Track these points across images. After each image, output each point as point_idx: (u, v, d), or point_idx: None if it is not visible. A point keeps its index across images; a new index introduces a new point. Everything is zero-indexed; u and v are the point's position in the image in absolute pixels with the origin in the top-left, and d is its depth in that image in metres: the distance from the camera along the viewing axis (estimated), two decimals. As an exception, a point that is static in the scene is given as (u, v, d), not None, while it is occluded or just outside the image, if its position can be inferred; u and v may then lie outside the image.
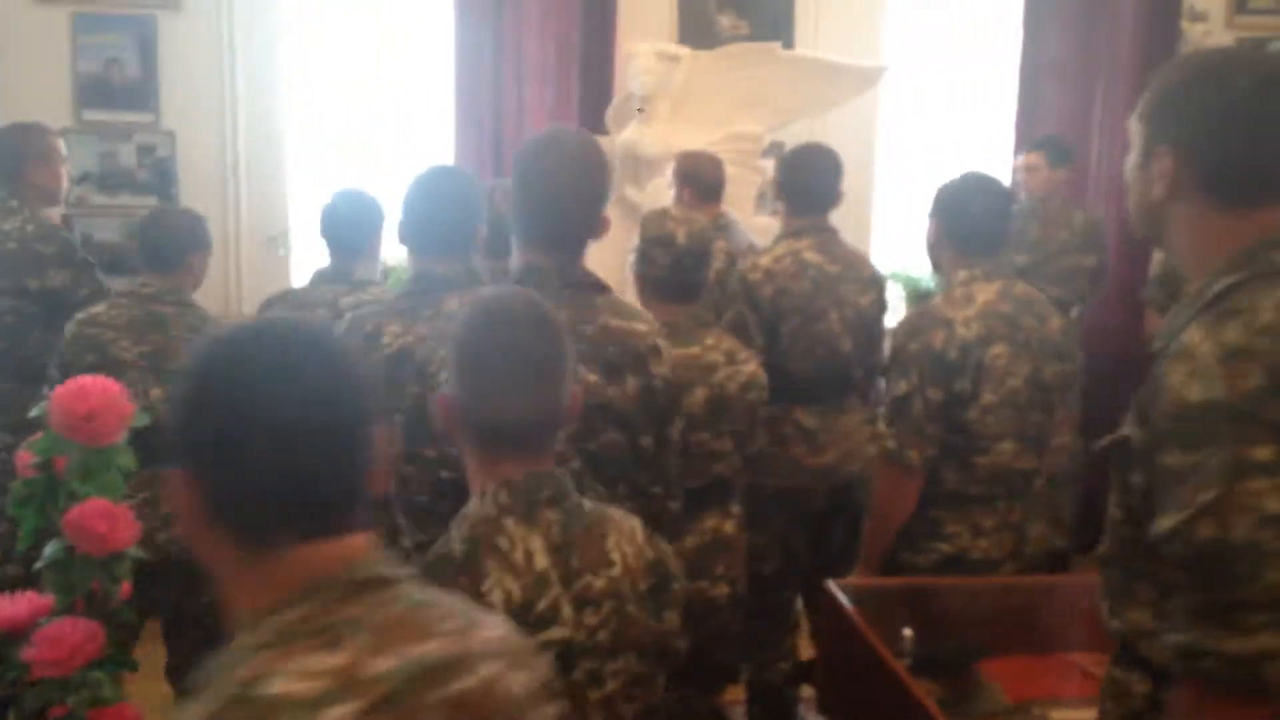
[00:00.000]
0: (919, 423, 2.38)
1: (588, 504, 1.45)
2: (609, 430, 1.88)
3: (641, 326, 1.94)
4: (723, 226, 3.56)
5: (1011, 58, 4.87)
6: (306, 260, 4.22)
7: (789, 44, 4.65)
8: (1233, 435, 1.20)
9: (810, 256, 2.97)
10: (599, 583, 1.40)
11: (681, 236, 2.47)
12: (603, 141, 4.29)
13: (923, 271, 4.70)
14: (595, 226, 1.94)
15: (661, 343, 1.96)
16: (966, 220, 2.50)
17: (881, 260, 4.90)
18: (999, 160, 4.79)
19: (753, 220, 4.50)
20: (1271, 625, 1.17)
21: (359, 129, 4.69)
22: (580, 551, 1.39)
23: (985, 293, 2.44)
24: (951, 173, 2.60)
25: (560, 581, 1.37)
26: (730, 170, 4.39)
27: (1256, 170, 1.30)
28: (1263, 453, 1.18)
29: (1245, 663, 1.17)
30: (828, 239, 3.02)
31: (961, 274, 2.48)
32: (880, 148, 4.94)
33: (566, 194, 1.89)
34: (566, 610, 1.37)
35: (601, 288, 1.94)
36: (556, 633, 1.35)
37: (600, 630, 1.40)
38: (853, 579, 2.39)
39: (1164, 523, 1.24)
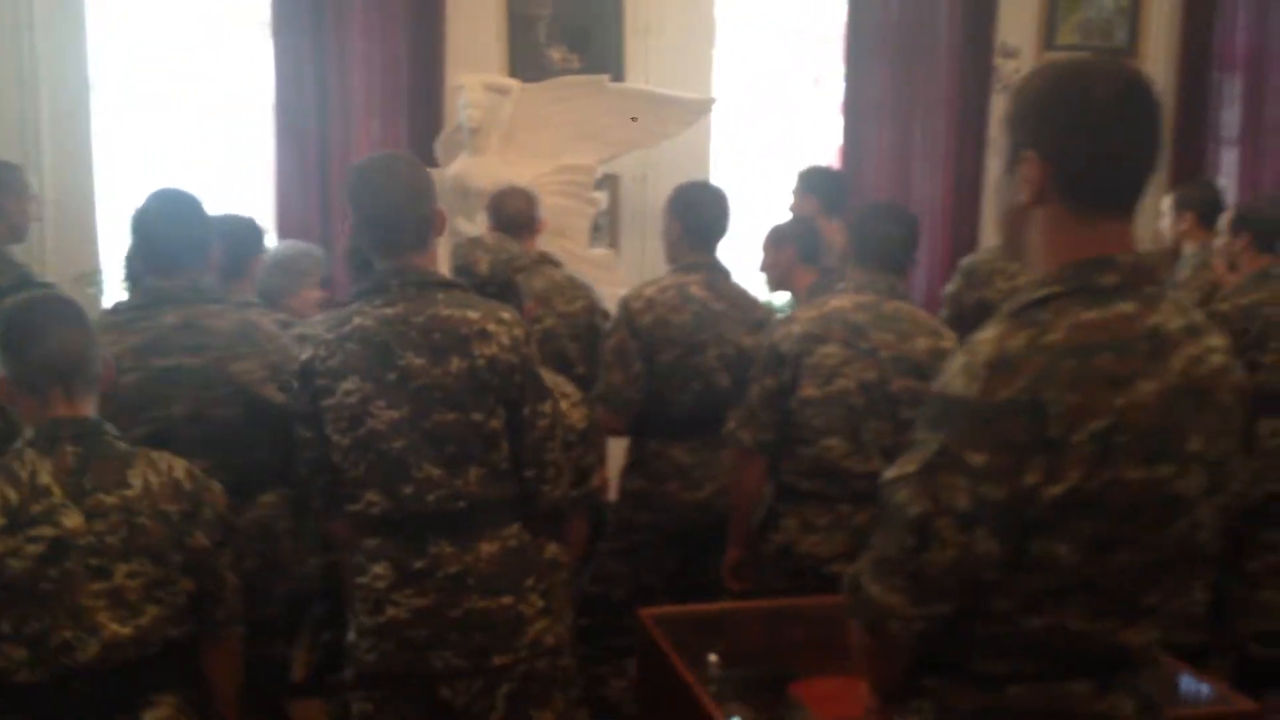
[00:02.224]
0: (754, 407, 2.63)
1: (125, 446, 1.86)
2: (440, 409, 2.08)
3: (473, 314, 2.12)
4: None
5: (836, 92, 5.01)
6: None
7: (620, 77, 4.68)
8: (959, 431, 1.25)
9: (695, 291, 3.00)
10: (110, 499, 1.79)
11: (484, 266, 2.51)
12: (432, 174, 4.31)
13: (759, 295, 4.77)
14: (427, 226, 2.16)
15: (496, 328, 2.11)
16: (870, 240, 2.74)
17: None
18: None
19: (586, 252, 4.51)
20: (909, 591, 1.30)
21: (176, 164, 4.52)
22: (95, 476, 1.79)
23: (840, 300, 2.65)
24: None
25: (66, 495, 1.77)
26: (563, 202, 4.41)
27: (1109, 178, 1.31)
28: (977, 458, 1.24)
29: (876, 610, 1.32)
30: (717, 277, 3.06)
31: (840, 285, 2.71)
32: (713, 180, 5.00)
33: (390, 203, 2.12)
34: (70, 517, 1.77)
35: (447, 284, 2.17)
36: (47, 530, 1.75)
37: (109, 535, 1.78)
38: (669, 607, 2.38)
39: (886, 473, 1.34)
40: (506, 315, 2.17)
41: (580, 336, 3.30)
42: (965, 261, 3.99)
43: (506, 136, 4.28)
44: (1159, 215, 4.31)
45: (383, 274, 2.13)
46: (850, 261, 2.84)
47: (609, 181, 4.73)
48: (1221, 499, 1.33)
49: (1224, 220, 3.55)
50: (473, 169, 4.20)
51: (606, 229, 4.82)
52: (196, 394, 2.49)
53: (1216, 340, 1.34)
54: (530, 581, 2.17)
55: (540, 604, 2.18)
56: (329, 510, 2.26)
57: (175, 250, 2.52)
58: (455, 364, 2.08)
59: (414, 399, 2.08)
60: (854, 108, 4.95)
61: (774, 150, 5.15)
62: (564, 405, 2.54)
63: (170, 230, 2.52)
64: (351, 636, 2.17)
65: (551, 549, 2.49)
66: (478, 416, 2.10)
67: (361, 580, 2.14)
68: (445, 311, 2.10)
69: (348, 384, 2.10)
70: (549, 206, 4.39)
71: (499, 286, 2.48)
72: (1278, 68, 5.37)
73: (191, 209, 2.58)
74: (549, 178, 4.34)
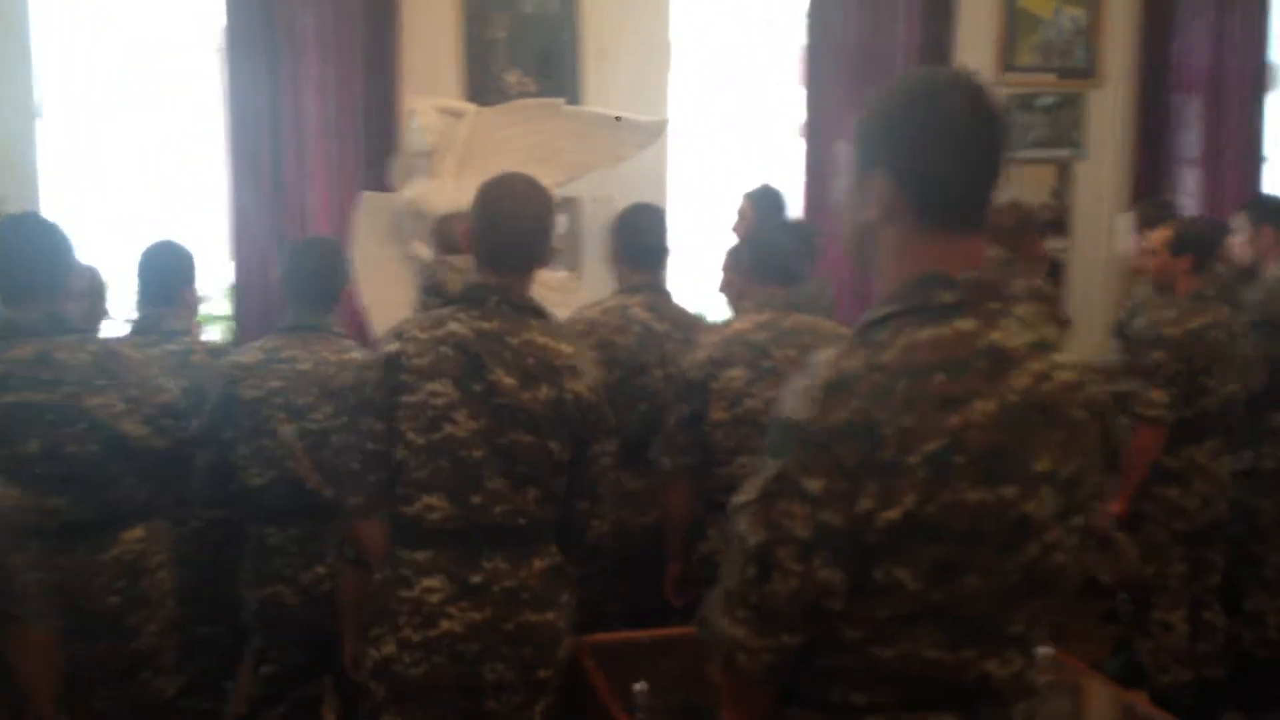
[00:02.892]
0: (671, 433, 2.75)
1: None
2: (518, 430, 2.13)
3: (567, 348, 2.19)
4: None
5: (795, 112, 5.01)
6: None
7: (577, 100, 4.68)
8: (796, 458, 1.23)
9: (638, 313, 2.98)
10: None
11: (457, 286, 2.49)
12: (387, 198, 4.30)
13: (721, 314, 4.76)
14: (539, 254, 2.24)
15: (585, 366, 2.20)
16: (767, 256, 2.83)
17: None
18: (792, 214, 4.89)
19: (545, 275, 4.48)
20: (753, 624, 1.26)
21: (126, 190, 4.49)
22: None
23: (742, 322, 2.74)
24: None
25: None
26: (520, 225, 4.40)
27: (957, 194, 1.29)
28: (814, 484, 1.22)
29: (724, 643, 1.29)
30: (660, 298, 3.04)
31: (745, 304, 2.79)
32: (672, 201, 4.99)
33: (517, 222, 2.18)
34: None
35: (539, 312, 2.23)
36: None
37: None
38: (602, 635, 2.35)
39: (732, 500, 1.31)
40: (591, 354, 2.27)
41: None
42: None
43: (462, 160, 4.26)
44: (1113, 234, 4.33)
45: (481, 287, 2.18)
46: (752, 280, 2.87)
47: (569, 204, 4.71)
48: (1080, 520, 1.30)
49: (1158, 238, 3.55)
50: (428, 193, 4.17)
51: (568, 252, 4.80)
52: (50, 430, 2.44)
53: (1065, 357, 1.31)
54: (565, 597, 2.21)
55: (566, 620, 2.22)
56: (369, 508, 2.21)
57: (29, 279, 2.46)
58: (544, 392, 2.14)
59: (495, 414, 2.12)
60: (813, 129, 4.95)
61: (732, 171, 5.13)
62: None
63: (23, 259, 2.47)
64: (389, 651, 2.13)
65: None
66: (554, 445, 2.16)
67: (407, 594, 2.12)
68: (541, 339, 2.17)
69: (435, 385, 2.13)
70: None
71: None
72: (1236, 88, 5.41)
73: (48, 236, 2.52)
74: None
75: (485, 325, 2.14)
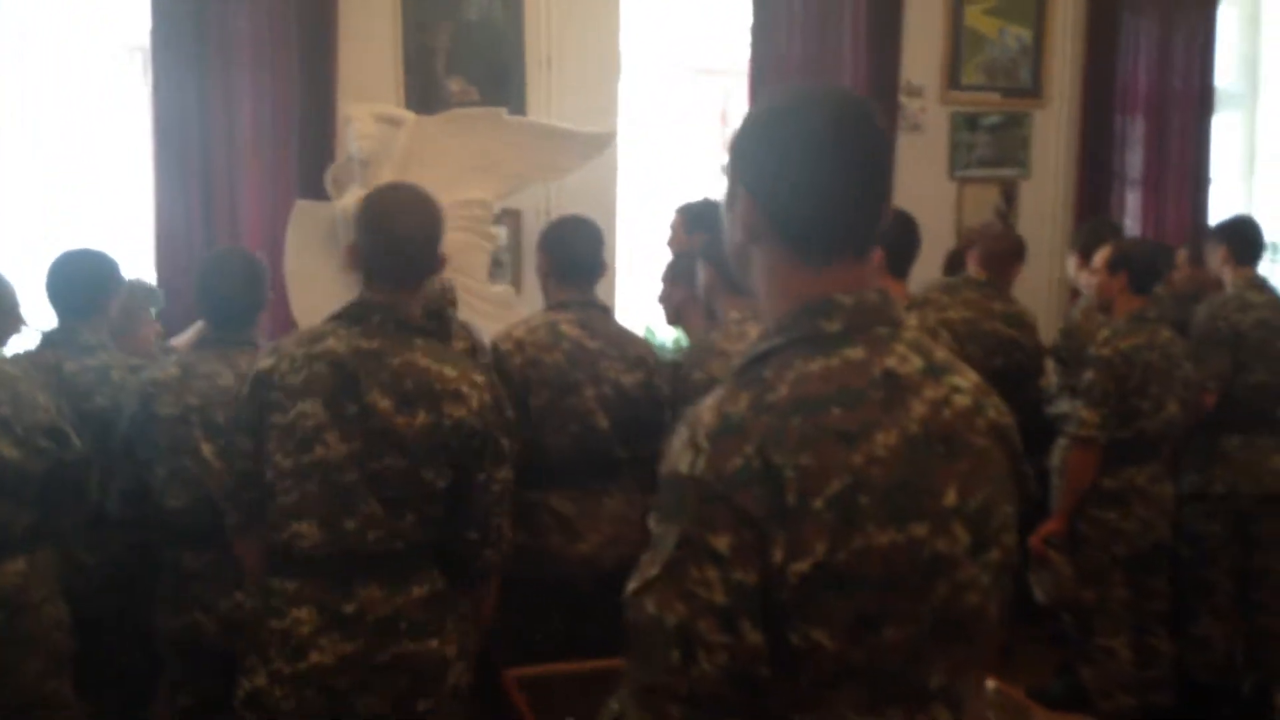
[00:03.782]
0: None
1: None
2: (391, 454, 2.04)
3: (451, 372, 2.09)
4: None
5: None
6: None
7: (521, 110, 4.59)
8: (697, 516, 1.10)
9: (568, 329, 2.87)
10: None
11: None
12: (321, 207, 4.18)
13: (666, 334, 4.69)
14: (427, 268, 2.18)
15: (469, 391, 2.09)
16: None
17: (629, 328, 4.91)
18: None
19: (485, 289, 4.40)
20: (689, 718, 1.10)
21: (52, 200, 4.32)
22: None
23: (755, 330, 2.52)
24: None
25: None
26: (460, 237, 4.28)
27: (824, 217, 1.20)
28: (721, 541, 1.09)
29: None
30: (591, 314, 2.94)
31: (734, 314, 2.70)
32: (621, 214, 4.92)
33: (402, 235, 2.12)
34: None
35: (426, 332, 2.15)
36: None
37: None
38: (534, 668, 2.26)
39: (629, 585, 1.16)
40: (479, 378, 2.13)
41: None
42: None
43: (400, 169, 4.15)
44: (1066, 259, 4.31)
45: (366, 304, 2.09)
46: (722, 293, 2.79)
47: (510, 217, 4.63)
48: (994, 556, 1.20)
49: (1100, 258, 3.53)
50: (364, 202, 4.06)
51: (509, 265, 4.71)
52: None
53: (961, 379, 1.22)
54: (452, 623, 2.11)
55: (457, 646, 2.12)
56: (245, 527, 2.17)
57: None
58: (421, 417, 2.04)
59: (368, 437, 2.03)
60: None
61: (681, 186, 5.07)
62: None
63: None
64: (260, 683, 2.05)
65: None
66: (428, 474, 2.06)
67: (278, 625, 2.03)
68: (423, 362, 2.07)
69: (305, 405, 2.05)
70: (446, 242, 4.28)
71: (432, 319, 2.50)
72: (1179, 110, 5.46)
73: None
74: (447, 212, 4.19)
75: (365, 344, 2.06)
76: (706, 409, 1.16)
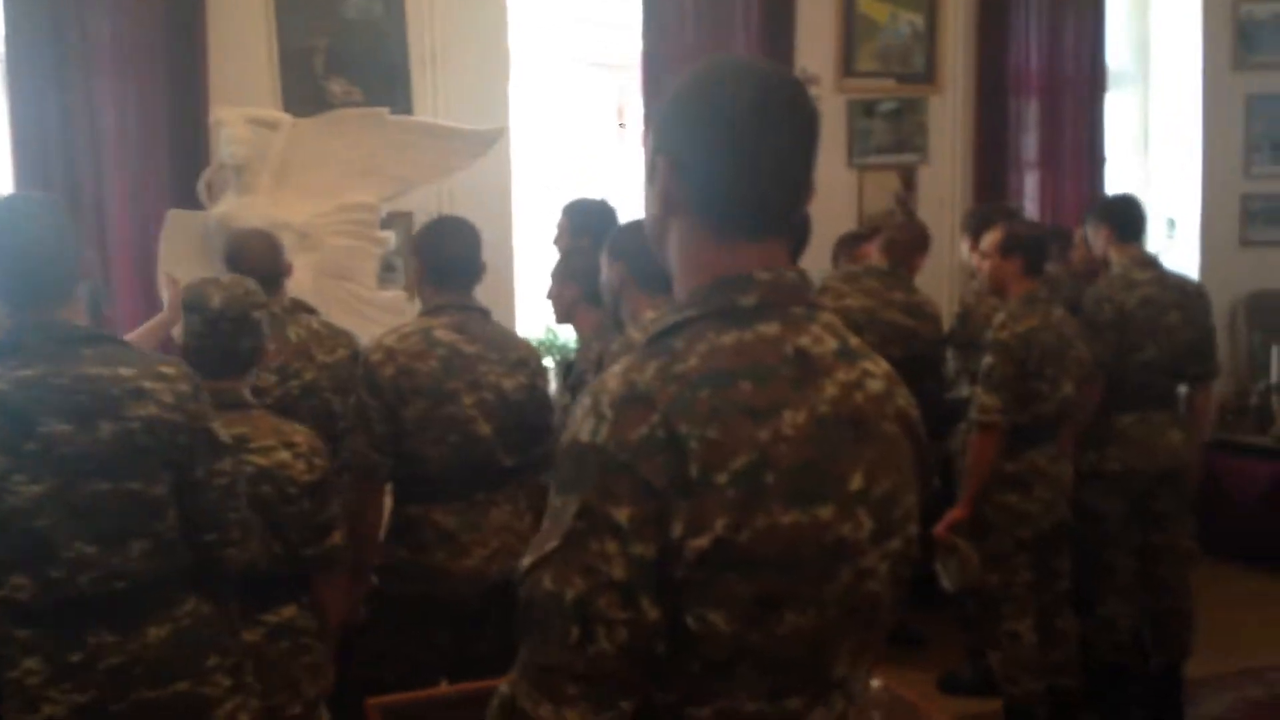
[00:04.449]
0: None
1: None
2: (90, 480, 1.89)
3: (126, 371, 1.94)
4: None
5: (634, 122, 4.89)
6: None
7: (407, 109, 4.46)
8: (598, 486, 1.05)
9: (442, 335, 2.72)
10: None
11: (216, 300, 2.33)
12: (195, 216, 4.01)
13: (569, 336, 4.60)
14: (71, 274, 1.99)
15: (154, 385, 1.95)
16: (652, 260, 2.52)
17: (529, 328, 4.81)
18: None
19: (374, 295, 4.26)
20: (588, 698, 1.05)
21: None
22: None
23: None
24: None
25: None
26: (345, 242, 4.16)
27: (743, 196, 1.15)
28: (622, 513, 1.04)
29: None
30: (469, 317, 2.79)
31: (649, 314, 2.52)
32: (518, 212, 4.81)
33: (28, 248, 1.95)
34: None
35: (93, 339, 1.97)
36: None
37: None
38: (397, 695, 2.14)
39: (522, 561, 1.10)
40: (169, 369, 1.98)
41: (344, 388, 3.03)
42: None
43: (278, 174, 4.00)
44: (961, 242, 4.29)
45: (18, 330, 1.93)
46: (635, 293, 2.68)
47: (401, 219, 4.49)
48: (896, 545, 1.17)
49: (989, 241, 3.50)
50: (240, 210, 3.90)
51: (402, 269, 4.57)
52: None
53: (875, 365, 1.20)
54: (213, 661, 1.98)
55: (228, 683, 1.99)
56: None
57: None
58: (105, 429, 1.89)
59: (60, 470, 1.88)
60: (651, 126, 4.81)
61: (579, 182, 4.98)
62: (286, 456, 2.35)
63: None
64: None
65: (288, 613, 2.35)
66: (135, 485, 1.92)
67: (11, 675, 1.89)
68: (93, 370, 1.92)
69: None
70: (331, 248, 4.15)
71: (232, 322, 2.33)
72: (1072, 91, 5.49)
73: None
74: (329, 217, 4.09)
75: (25, 373, 1.90)
76: (611, 376, 1.11)
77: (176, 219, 3.94)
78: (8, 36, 3.86)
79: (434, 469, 2.70)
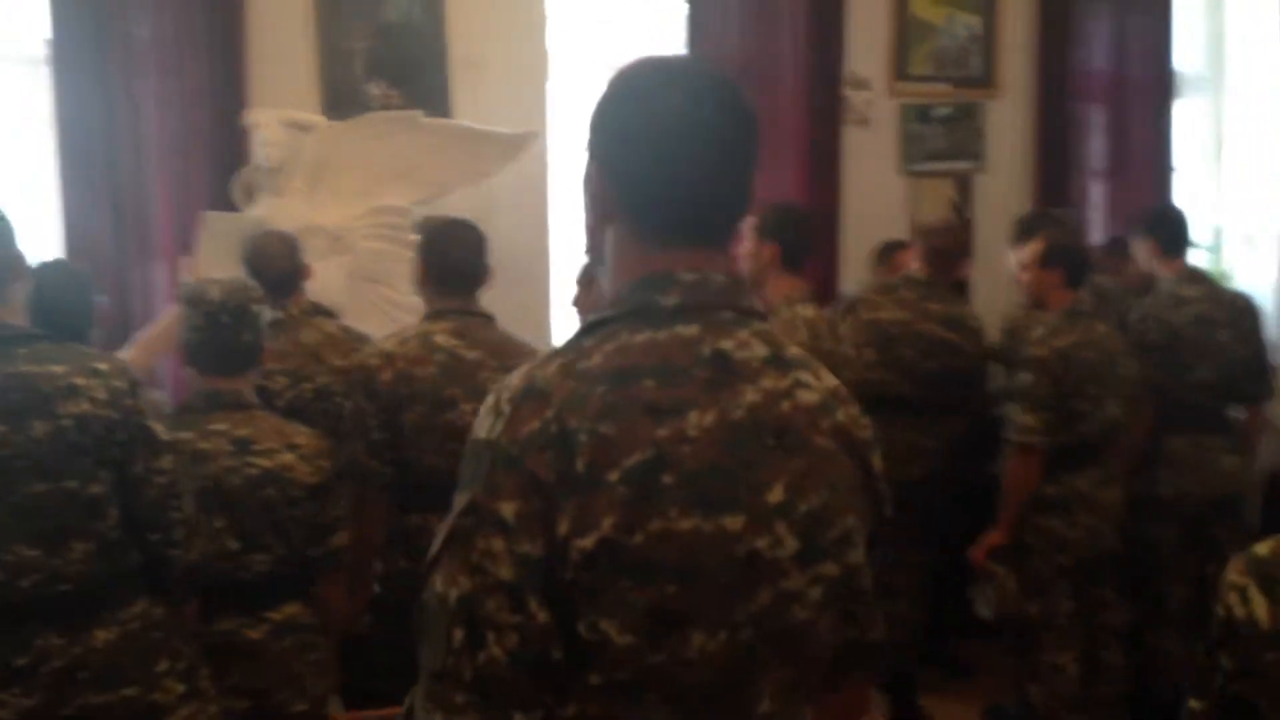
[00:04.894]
0: None
1: None
2: (25, 480, 1.88)
3: (58, 368, 1.92)
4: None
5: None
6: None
7: (445, 113, 4.42)
8: (487, 482, 1.03)
9: (442, 340, 2.68)
10: None
11: (215, 293, 2.33)
12: (232, 218, 4.01)
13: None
14: (4, 273, 1.96)
15: (87, 381, 1.92)
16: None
17: (566, 334, 4.72)
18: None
19: (407, 300, 4.22)
20: (476, 708, 1.00)
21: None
22: None
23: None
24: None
25: None
26: (378, 246, 4.13)
27: (675, 200, 1.12)
28: (509, 508, 1.00)
29: None
30: (470, 322, 2.74)
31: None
32: (554, 218, 4.75)
33: None
34: None
35: (31, 336, 1.95)
36: None
37: None
38: (364, 712, 2.09)
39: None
40: (103, 366, 1.96)
41: (358, 393, 3.00)
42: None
43: (313, 177, 3.99)
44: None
45: None
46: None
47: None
48: (831, 570, 1.09)
49: (1029, 252, 3.33)
50: (274, 212, 3.89)
51: (416, 280, 4.52)
52: None
53: (815, 378, 1.13)
54: (164, 665, 1.96)
55: (180, 689, 1.97)
56: None
57: None
58: (38, 428, 1.89)
59: None
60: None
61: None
62: (290, 458, 2.33)
63: None
64: None
65: (291, 610, 2.34)
66: (72, 484, 1.91)
67: None
68: (26, 368, 1.91)
69: None
70: (363, 251, 4.12)
71: (231, 314, 2.31)
72: (1138, 97, 5.26)
73: None
74: (361, 221, 4.07)
75: None
76: (516, 374, 1.08)
77: (213, 221, 3.94)
78: (53, 37, 3.90)
79: (433, 477, 2.64)
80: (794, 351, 1.15)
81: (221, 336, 2.32)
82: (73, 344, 2.02)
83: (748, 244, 3.06)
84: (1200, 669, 1.27)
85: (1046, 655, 3.33)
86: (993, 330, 4.19)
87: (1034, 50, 5.14)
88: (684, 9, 4.66)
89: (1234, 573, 1.25)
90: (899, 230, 4.89)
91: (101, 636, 1.93)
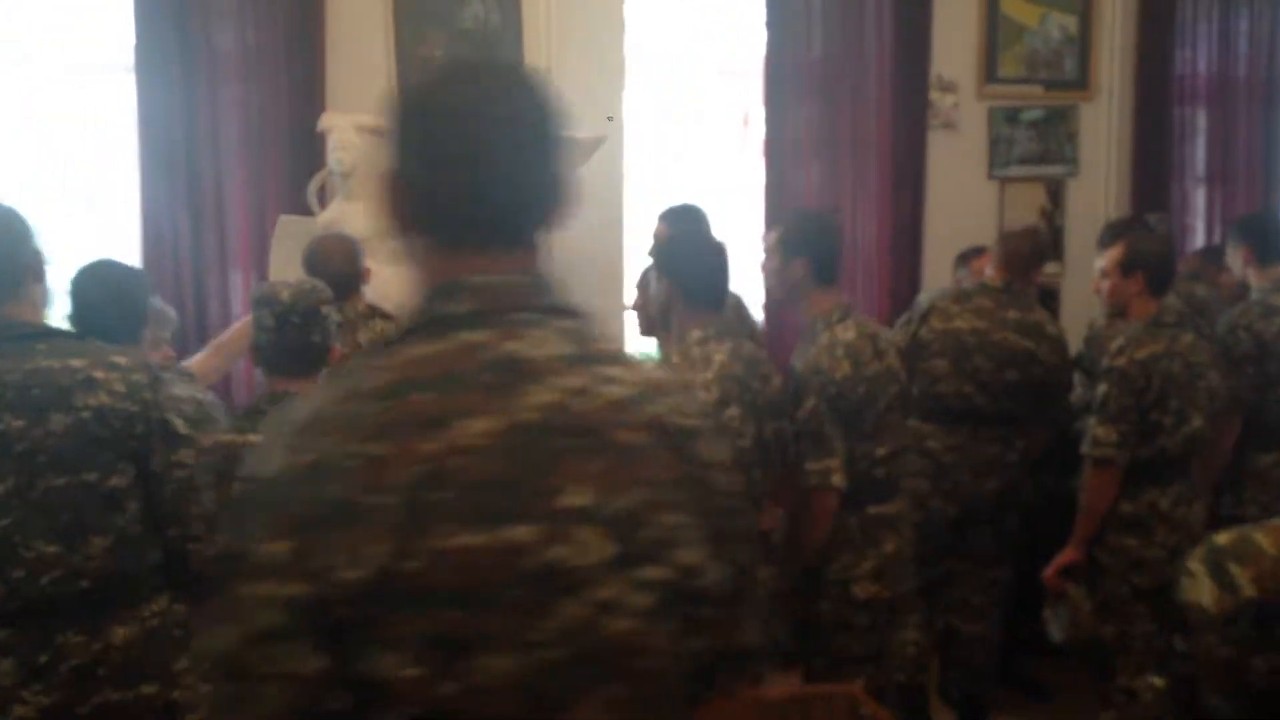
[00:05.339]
0: None
1: None
2: (46, 474, 1.89)
3: (77, 362, 1.93)
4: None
5: (756, 129, 4.73)
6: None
7: (521, 118, 4.43)
8: (254, 522, 0.97)
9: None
10: None
11: (286, 295, 2.34)
12: (305, 223, 4.08)
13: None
14: (22, 271, 1.98)
15: (106, 374, 1.93)
16: (699, 277, 2.56)
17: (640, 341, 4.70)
18: (752, 233, 4.61)
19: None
20: None
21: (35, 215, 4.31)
22: None
23: (720, 353, 2.46)
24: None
25: None
26: (450, 250, 4.15)
27: (464, 203, 1.07)
28: (279, 548, 0.93)
29: None
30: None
31: (695, 334, 2.49)
32: (629, 221, 4.72)
33: None
34: None
35: (50, 333, 1.99)
36: None
37: None
38: None
39: None
40: (122, 360, 1.98)
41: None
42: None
43: (385, 182, 4.03)
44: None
45: None
46: (684, 306, 2.58)
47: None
48: (658, 574, 1.00)
49: (1110, 258, 3.18)
50: (346, 216, 3.95)
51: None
52: None
53: (622, 372, 1.06)
54: (184, 663, 1.95)
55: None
56: None
57: None
58: (57, 420, 1.90)
59: (18, 467, 1.89)
60: (776, 148, 4.65)
61: (697, 192, 4.84)
62: None
63: None
64: None
65: None
66: (90, 476, 1.92)
67: None
68: (45, 363, 1.92)
69: None
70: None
71: (302, 315, 2.32)
72: (1247, 100, 5.02)
73: None
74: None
75: None
76: (297, 407, 1.03)
77: (287, 225, 4.02)
78: (137, 49, 4.02)
79: None
80: (603, 348, 1.09)
81: (290, 337, 2.32)
82: (93, 339, 2.05)
83: (773, 261, 2.87)
84: (1163, 650, 1.28)
85: (1121, 679, 3.16)
86: (1076, 339, 4.03)
87: (1132, 51, 4.94)
88: (763, 12, 4.59)
89: (1192, 559, 1.29)
90: (987, 239, 4.74)
91: (121, 633, 1.94)
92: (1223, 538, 1.29)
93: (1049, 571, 3.16)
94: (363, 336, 3.08)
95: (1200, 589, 1.26)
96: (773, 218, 4.59)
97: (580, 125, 4.25)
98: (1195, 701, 1.28)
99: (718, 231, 3.95)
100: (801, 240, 2.82)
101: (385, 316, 3.19)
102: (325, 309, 2.39)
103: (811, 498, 2.64)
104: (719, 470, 1.10)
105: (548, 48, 4.50)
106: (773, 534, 2.92)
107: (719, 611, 1.08)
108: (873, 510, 2.77)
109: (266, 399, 2.35)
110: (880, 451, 2.77)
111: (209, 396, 2.65)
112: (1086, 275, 4.85)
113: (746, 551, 1.13)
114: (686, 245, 2.69)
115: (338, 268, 3.10)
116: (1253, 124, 4.99)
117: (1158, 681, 1.38)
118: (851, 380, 2.69)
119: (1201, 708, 1.28)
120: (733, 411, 2.42)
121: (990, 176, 4.92)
